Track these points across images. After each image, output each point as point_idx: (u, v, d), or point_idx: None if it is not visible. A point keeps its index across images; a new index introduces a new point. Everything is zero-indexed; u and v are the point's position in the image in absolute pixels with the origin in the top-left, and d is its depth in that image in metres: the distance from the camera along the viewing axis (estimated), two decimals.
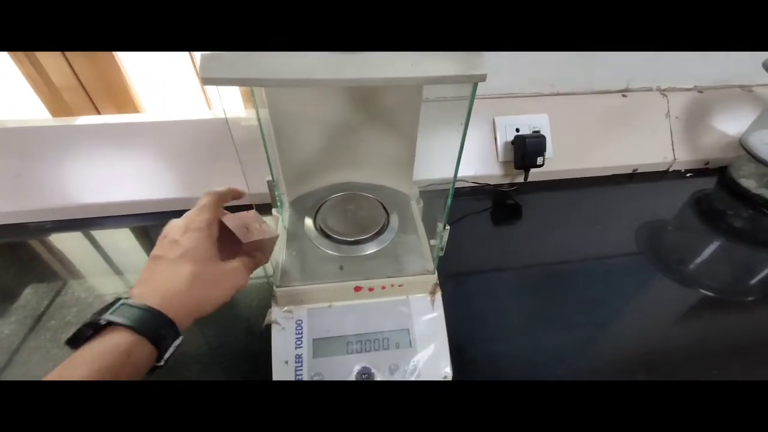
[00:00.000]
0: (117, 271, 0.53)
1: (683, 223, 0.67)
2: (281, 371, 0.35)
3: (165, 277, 0.26)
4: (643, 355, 0.46)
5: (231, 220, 0.33)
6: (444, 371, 0.36)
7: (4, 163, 0.57)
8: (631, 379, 0.43)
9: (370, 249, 0.41)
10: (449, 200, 0.36)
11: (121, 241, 0.58)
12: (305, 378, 0.34)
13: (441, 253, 0.39)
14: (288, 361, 0.35)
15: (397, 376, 0.35)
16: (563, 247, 0.60)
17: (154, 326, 0.23)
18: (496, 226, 0.65)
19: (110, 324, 0.23)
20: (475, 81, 0.26)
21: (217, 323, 0.46)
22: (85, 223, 0.59)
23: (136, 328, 0.22)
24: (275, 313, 0.37)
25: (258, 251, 0.34)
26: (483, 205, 0.67)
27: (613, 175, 0.74)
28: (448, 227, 0.38)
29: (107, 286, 0.51)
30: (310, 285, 0.38)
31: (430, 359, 0.36)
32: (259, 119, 0.31)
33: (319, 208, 0.45)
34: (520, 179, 0.68)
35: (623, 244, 0.60)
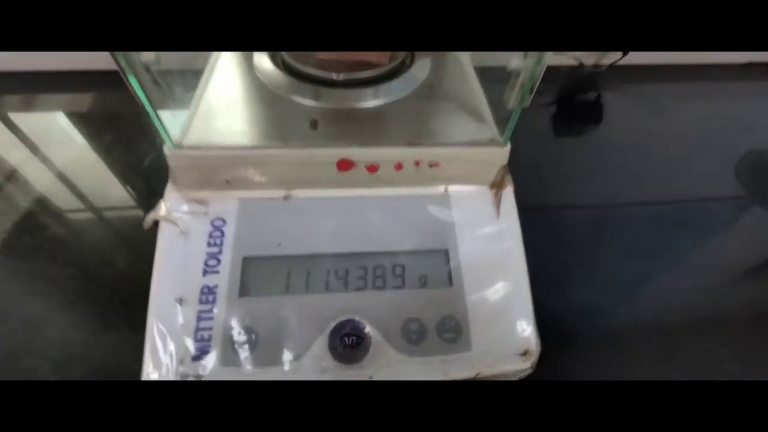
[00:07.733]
0: None
1: None
2: (165, 320, 0.16)
3: None
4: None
5: None
6: (523, 335, 0.17)
7: None
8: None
9: (378, 98, 0.21)
10: None
11: None
12: (216, 340, 0.15)
13: (526, 104, 0.19)
14: (184, 298, 0.16)
15: (424, 346, 0.16)
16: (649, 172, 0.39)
17: None
18: (560, 131, 0.43)
19: None
20: None
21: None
22: None
23: None
24: (171, 201, 0.18)
25: None
26: (545, 98, 0.45)
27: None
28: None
29: None
30: (248, 151, 0.18)
31: (491, 317, 0.17)
32: None
33: None
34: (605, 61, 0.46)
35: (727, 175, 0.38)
